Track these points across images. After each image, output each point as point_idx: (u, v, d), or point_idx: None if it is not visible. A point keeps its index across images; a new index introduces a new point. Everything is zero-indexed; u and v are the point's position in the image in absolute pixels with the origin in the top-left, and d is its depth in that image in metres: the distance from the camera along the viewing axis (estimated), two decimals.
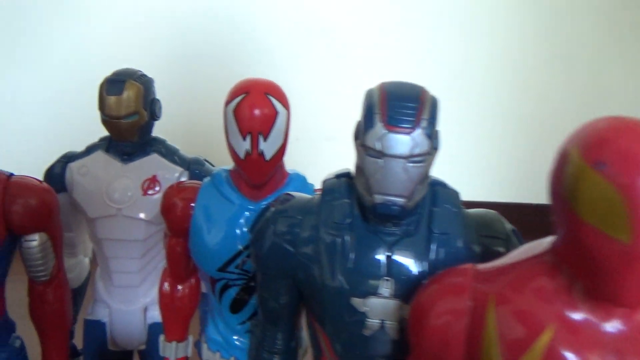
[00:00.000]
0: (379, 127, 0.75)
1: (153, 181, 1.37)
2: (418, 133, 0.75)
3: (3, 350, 1.19)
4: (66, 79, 2.77)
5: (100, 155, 1.37)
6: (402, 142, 0.74)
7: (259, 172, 1.07)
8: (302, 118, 2.93)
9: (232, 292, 1.15)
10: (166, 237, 1.22)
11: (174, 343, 1.27)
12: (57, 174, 1.36)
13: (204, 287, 1.30)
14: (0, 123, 2.83)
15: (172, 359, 1.27)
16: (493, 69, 2.94)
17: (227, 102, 1.06)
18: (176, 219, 1.16)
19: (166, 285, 1.26)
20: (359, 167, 0.81)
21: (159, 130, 1.46)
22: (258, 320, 1.02)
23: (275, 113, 1.04)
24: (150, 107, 1.36)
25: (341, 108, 2.90)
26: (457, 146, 2.85)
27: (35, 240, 1.17)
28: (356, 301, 0.81)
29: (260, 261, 0.92)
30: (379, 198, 0.76)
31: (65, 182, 1.37)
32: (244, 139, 1.03)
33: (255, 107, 1.02)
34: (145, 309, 1.42)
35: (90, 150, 1.38)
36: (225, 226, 1.11)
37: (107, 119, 1.30)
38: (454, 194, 0.86)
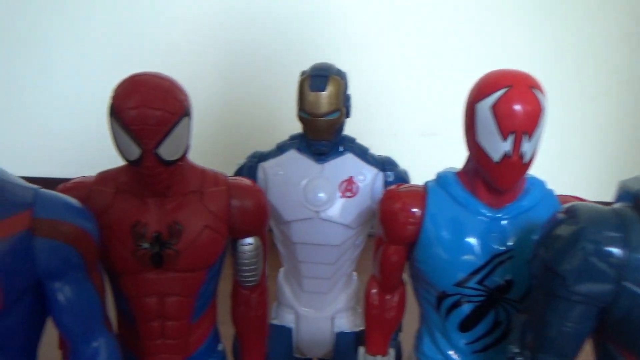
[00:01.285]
0: None
1: (350, 182, 1.28)
2: None
3: (212, 356, 1.16)
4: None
5: (293, 155, 1.30)
6: None
7: (514, 176, 0.94)
8: (398, 114, 2.82)
9: (465, 309, 1.03)
10: (380, 244, 1.13)
11: (378, 357, 1.19)
12: (249, 174, 1.32)
13: None
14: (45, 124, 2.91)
15: None
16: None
17: (480, 98, 0.93)
18: (399, 226, 1.06)
19: (374, 296, 1.17)
20: None
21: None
22: (522, 344, 0.89)
23: (541, 110, 0.90)
24: (347, 104, 1.27)
25: (439, 105, 2.75)
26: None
27: (251, 244, 1.12)
28: None
29: (562, 282, 0.79)
30: None
31: (257, 183, 1.32)
32: (505, 139, 0.90)
33: (522, 103, 0.89)
34: (333, 317, 1.36)
35: (282, 149, 1.32)
36: (463, 237, 1.00)
37: (308, 117, 1.23)
38: None
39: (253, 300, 1.19)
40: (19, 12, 2.81)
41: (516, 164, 0.92)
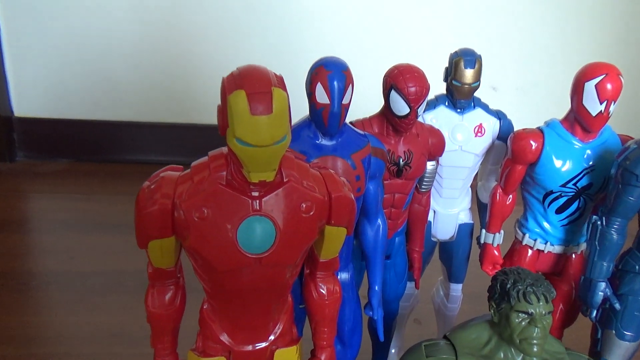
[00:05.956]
0: None
1: (480, 127, 2.00)
2: None
3: (401, 234, 1.91)
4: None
5: (443, 109, 1.99)
6: None
7: (601, 124, 1.68)
8: None
9: (561, 200, 1.81)
10: (509, 165, 1.86)
11: (496, 234, 1.97)
12: None
13: None
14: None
15: (492, 243, 1.97)
16: None
17: (588, 79, 1.64)
18: (525, 152, 1.79)
19: (498, 196, 1.93)
20: None
21: None
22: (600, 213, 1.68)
23: (622, 87, 1.62)
24: None
25: None
26: None
27: (433, 165, 1.85)
28: None
29: (635, 177, 1.54)
30: None
31: None
32: (601, 104, 1.63)
33: (613, 84, 1.61)
34: (458, 214, 2.12)
35: (434, 105, 2.01)
36: (566, 158, 1.75)
37: (460, 85, 1.90)
38: None
39: (423, 201, 1.93)
40: None
41: (605, 117, 1.65)
